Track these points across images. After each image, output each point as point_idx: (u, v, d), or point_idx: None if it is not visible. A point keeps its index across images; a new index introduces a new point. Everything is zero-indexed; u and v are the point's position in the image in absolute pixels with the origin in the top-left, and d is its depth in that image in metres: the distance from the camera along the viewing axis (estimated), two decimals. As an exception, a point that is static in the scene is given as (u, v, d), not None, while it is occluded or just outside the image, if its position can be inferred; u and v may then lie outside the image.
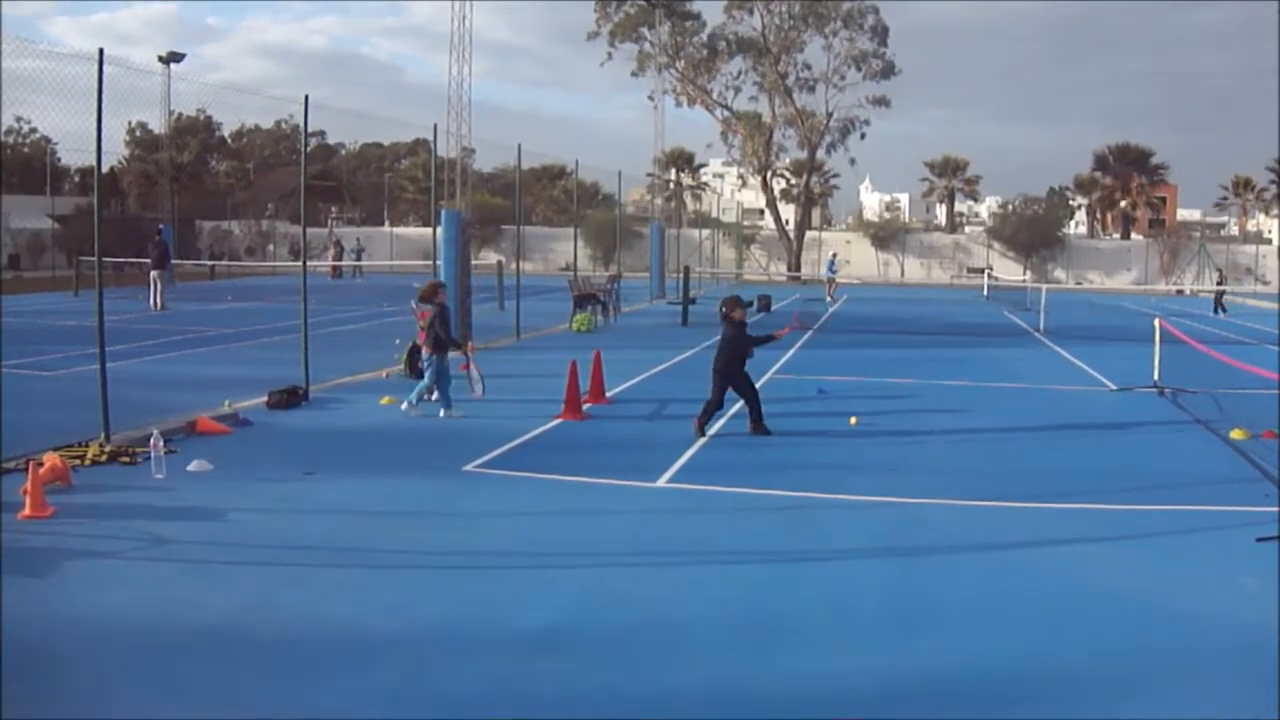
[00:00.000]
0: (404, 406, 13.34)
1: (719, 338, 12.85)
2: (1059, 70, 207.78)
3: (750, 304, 13.30)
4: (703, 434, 12.25)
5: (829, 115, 56.97)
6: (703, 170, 75.13)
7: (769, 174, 60.28)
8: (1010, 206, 62.69)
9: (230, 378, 15.77)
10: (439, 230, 21.06)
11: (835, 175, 70.48)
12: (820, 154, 59.59)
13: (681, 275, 30.47)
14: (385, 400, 13.96)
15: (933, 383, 17.37)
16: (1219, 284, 37.72)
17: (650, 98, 56.29)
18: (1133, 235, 66.16)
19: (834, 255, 45.78)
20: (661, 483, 10.25)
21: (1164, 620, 6.78)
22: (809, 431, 13.00)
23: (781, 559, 8.03)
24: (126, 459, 10.52)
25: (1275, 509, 9.09)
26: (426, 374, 13.41)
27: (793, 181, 65.71)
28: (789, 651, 6.20)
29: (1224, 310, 35.85)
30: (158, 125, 57.19)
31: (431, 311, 13.39)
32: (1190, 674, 5.97)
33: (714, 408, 12.52)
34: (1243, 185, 69.48)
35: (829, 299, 39.56)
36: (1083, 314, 33.50)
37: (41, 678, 5.69)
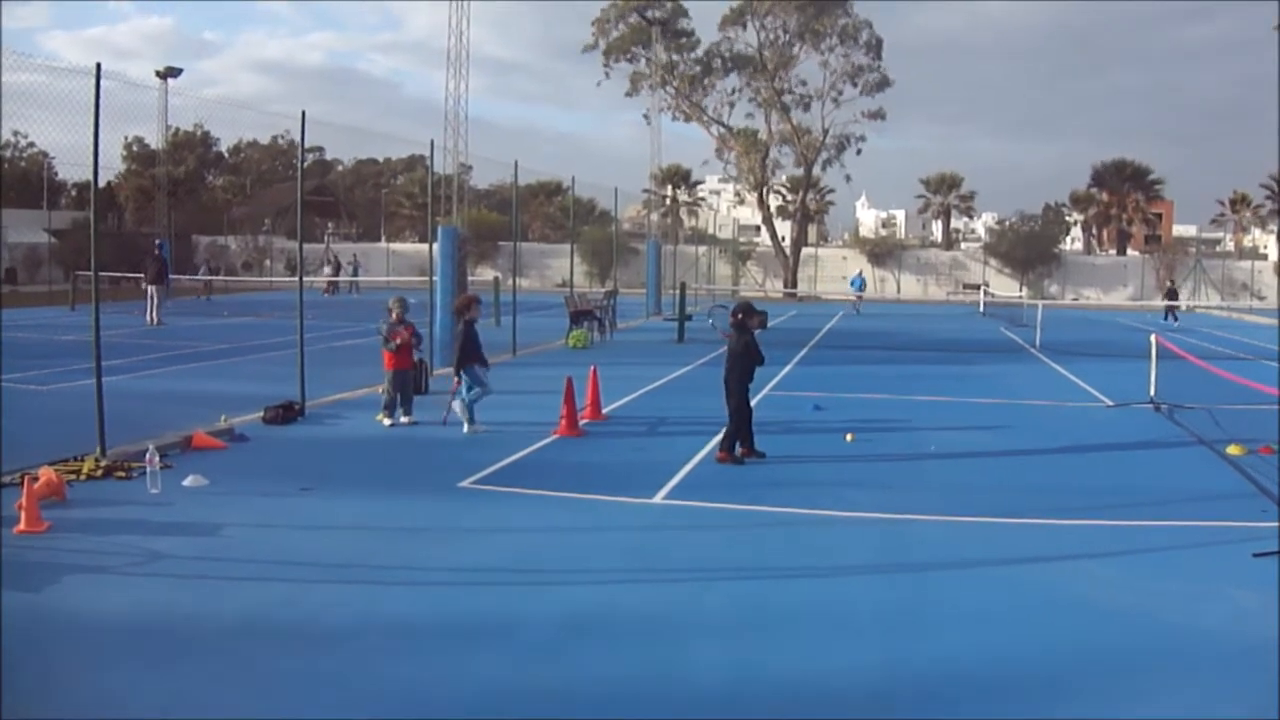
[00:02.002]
0: (466, 430, 13.17)
1: (728, 348, 12.26)
2: (1055, 86, 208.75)
3: (764, 313, 12.52)
4: (760, 455, 11.88)
5: (825, 132, 57.18)
6: (699, 187, 75.28)
7: (765, 190, 60.42)
8: (1006, 223, 62.87)
9: (226, 393, 15.74)
10: (436, 246, 21.08)
11: (831, 191, 70.60)
12: (816, 170, 59.76)
13: (678, 292, 30.49)
14: (380, 416, 13.93)
15: (928, 399, 17.38)
16: (1170, 296, 39.08)
17: (645, 115, 56.57)
18: (1129, 251, 66.32)
19: (860, 272, 50.59)
20: (658, 499, 10.24)
21: (1160, 635, 6.78)
22: (805, 448, 12.97)
23: (778, 575, 8.01)
24: (122, 474, 10.49)
25: (1272, 524, 9.09)
26: (464, 388, 13.36)
27: (789, 198, 65.81)
28: (783, 667, 6.19)
29: (1175, 318, 37.28)
30: (155, 140, 57.36)
31: (461, 329, 13.50)
32: (1186, 688, 5.96)
33: (747, 424, 11.95)
34: (1240, 201, 69.71)
35: (858, 311, 43.23)
36: (1079, 330, 33.54)
37: (36, 692, 5.66)
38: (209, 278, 45.06)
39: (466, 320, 13.54)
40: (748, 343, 12.04)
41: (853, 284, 46.90)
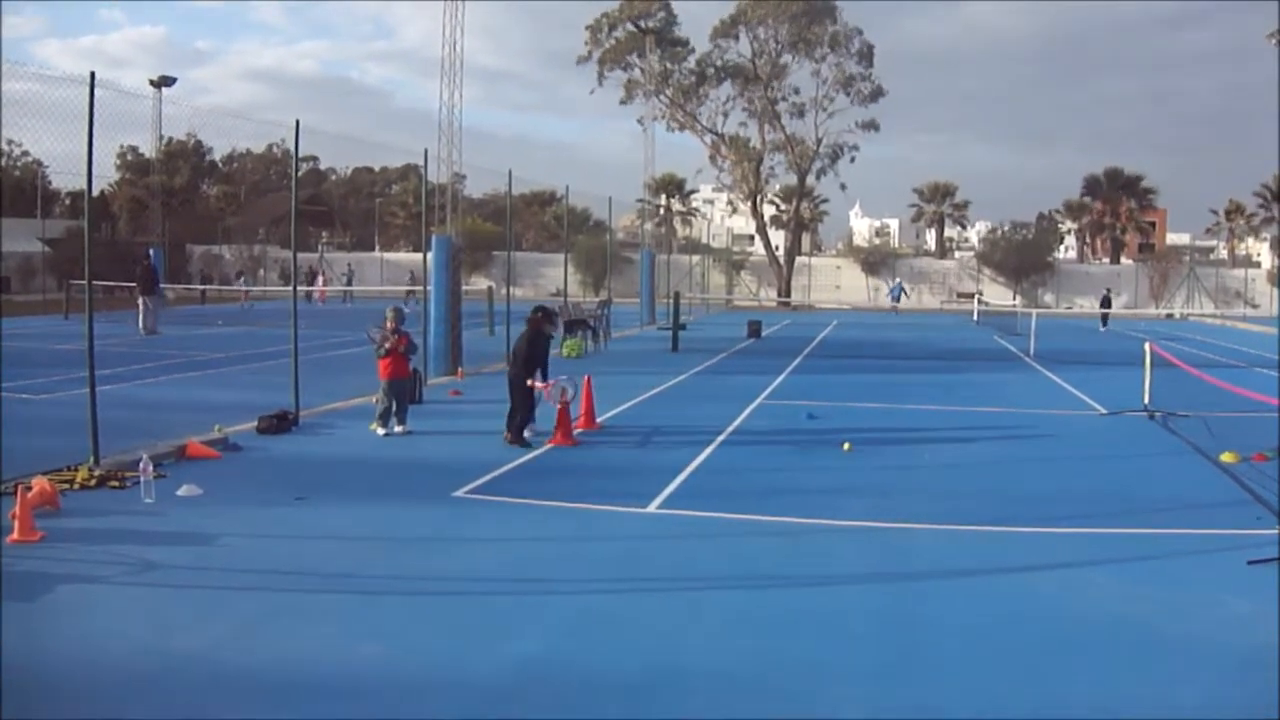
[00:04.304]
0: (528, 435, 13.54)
1: (521, 343, 13.60)
2: (1048, 94, 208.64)
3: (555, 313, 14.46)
4: (526, 444, 12.95)
5: (818, 140, 57.19)
6: (693, 196, 75.23)
7: (759, 199, 60.44)
8: (1000, 231, 62.95)
9: (220, 402, 15.73)
10: (429, 256, 21.08)
11: (825, 200, 70.68)
12: (810, 179, 59.78)
13: (672, 301, 30.49)
14: (374, 426, 13.90)
15: (923, 408, 17.38)
16: (1104, 304, 40.39)
17: (640, 122, 56.55)
18: (1122, 259, 66.38)
19: (899, 281, 55.26)
20: (653, 508, 10.23)
21: (1155, 643, 6.78)
22: (799, 457, 12.99)
23: (773, 584, 8.01)
24: (116, 483, 10.46)
25: (1266, 531, 9.11)
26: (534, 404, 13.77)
27: (783, 207, 65.85)
28: (778, 676, 6.18)
29: (1104, 325, 39.20)
30: (149, 149, 57.31)
31: (534, 340, 13.96)
32: (1183, 696, 5.96)
33: (527, 414, 13.28)
34: (1234, 210, 69.90)
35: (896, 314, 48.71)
36: (1072, 338, 33.58)
37: (30, 702, 5.63)
38: (248, 288, 45.80)
39: (548, 334, 14.20)
40: (539, 343, 13.68)
41: (891, 292, 52.66)
